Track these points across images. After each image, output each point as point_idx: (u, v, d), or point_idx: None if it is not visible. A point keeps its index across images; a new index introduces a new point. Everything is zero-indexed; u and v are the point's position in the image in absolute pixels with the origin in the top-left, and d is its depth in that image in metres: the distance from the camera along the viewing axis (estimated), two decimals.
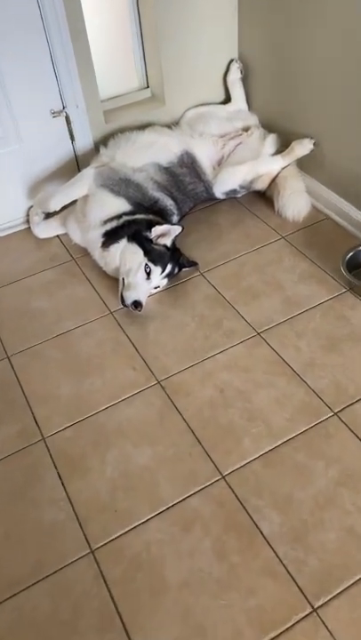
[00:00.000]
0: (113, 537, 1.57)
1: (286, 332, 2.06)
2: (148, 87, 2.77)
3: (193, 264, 2.36)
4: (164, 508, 1.61)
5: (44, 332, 2.18)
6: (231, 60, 2.74)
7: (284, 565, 1.47)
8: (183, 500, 1.63)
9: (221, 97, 2.85)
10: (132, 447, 1.77)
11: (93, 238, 2.34)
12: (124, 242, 2.23)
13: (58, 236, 2.63)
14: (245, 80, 2.76)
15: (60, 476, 1.72)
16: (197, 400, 1.87)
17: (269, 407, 1.83)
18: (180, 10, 2.49)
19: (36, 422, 1.87)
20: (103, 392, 1.94)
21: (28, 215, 2.66)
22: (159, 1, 2.42)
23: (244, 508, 1.59)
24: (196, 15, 2.54)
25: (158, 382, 1.95)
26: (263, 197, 2.69)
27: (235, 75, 2.73)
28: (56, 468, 1.74)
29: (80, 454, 1.77)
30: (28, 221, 2.67)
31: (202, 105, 2.80)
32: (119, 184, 2.35)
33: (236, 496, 1.62)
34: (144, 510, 1.61)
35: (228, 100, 2.83)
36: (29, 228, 2.65)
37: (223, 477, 1.67)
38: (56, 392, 1.96)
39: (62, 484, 1.70)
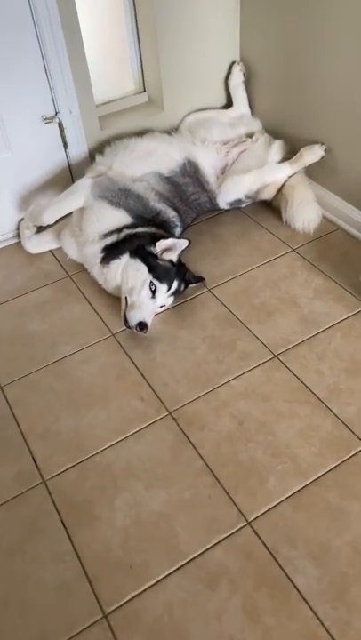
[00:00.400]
0: (128, 598, 1.38)
1: (306, 354, 1.90)
2: (144, 91, 2.61)
3: (199, 280, 2.19)
4: (185, 562, 1.43)
5: (39, 359, 1.98)
6: (233, 63, 2.59)
7: (325, 628, 1.30)
8: (206, 551, 1.44)
9: (222, 101, 2.69)
10: (144, 490, 1.58)
11: (91, 253, 2.16)
12: (125, 257, 2.06)
13: (51, 250, 2.44)
14: (248, 83, 2.60)
15: (64, 526, 1.52)
16: (214, 433, 1.69)
17: (294, 440, 1.66)
18: (179, 8, 2.33)
19: (35, 463, 1.67)
20: (108, 426, 1.75)
21: (18, 229, 2.47)
22: (157, 1, 2.26)
23: (275, 559, 1.41)
24: (195, 14, 2.38)
25: (169, 413, 1.76)
26: (269, 207, 2.53)
27: (237, 78, 2.58)
28: (60, 516, 1.55)
29: (86, 499, 1.58)
30: (18, 235, 2.47)
31: (202, 110, 2.64)
32: (118, 195, 2.17)
33: (265, 545, 1.44)
34: (162, 565, 1.43)
35: (229, 104, 2.68)
36: (20, 242, 2.46)
37: (249, 524, 1.49)
38: (55, 427, 1.76)
39: (67, 536, 1.50)
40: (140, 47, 2.48)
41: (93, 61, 2.32)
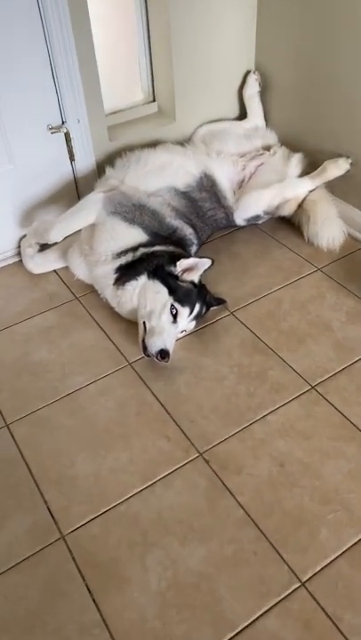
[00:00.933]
0: None
1: (346, 385, 1.73)
2: (154, 101, 2.45)
3: (221, 302, 2.02)
4: (234, 634, 1.23)
5: (48, 392, 1.78)
6: (248, 72, 2.45)
7: None
8: (257, 619, 1.25)
9: (236, 112, 2.55)
10: (179, 546, 1.39)
11: (104, 274, 1.97)
12: (143, 278, 1.88)
13: (55, 270, 2.25)
14: (263, 93, 2.47)
15: (89, 591, 1.32)
16: (253, 478, 1.51)
17: (344, 484, 1.48)
18: (194, 14, 2.19)
19: (51, 514, 1.47)
20: (132, 470, 1.55)
21: (19, 247, 2.27)
22: (172, 4, 2.11)
23: (338, 628, 1.23)
24: (210, 20, 2.24)
25: (200, 455, 1.58)
26: (287, 224, 2.38)
27: (253, 88, 2.44)
28: (83, 578, 1.34)
29: (112, 558, 1.37)
30: (19, 254, 2.28)
31: (215, 121, 2.49)
32: (133, 211, 2.00)
33: (324, 611, 1.26)
34: (208, 638, 1.23)
35: (242, 115, 2.54)
36: (21, 261, 2.26)
37: (303, 584, 1.30)
38: (71, 472, 1.56)
39: (94, 603, 1.30)
40: (150, 54, 2.33)
41: (99, 69, 2.15)
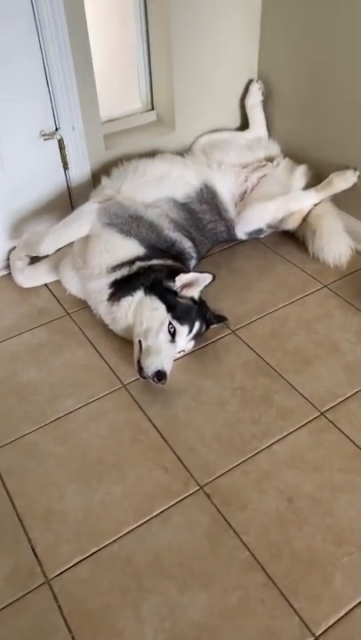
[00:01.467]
0: None
1: (357, 411, 1.60)
2: (152, 109, 2.35)
3: (222, 319, 1.90)
4: None
5: (35, 416, 1.64)
6: (250, 81, 2.36)
7: None
8: None
9: (237, 122, 2.45)
10: (177, 592, 1.24)
11: (97, 289, 1.85)
12: (139, 294, 1.75)
13: (46, 284, 2.12)
14: (266, 103, 2.38)
15: None
16: (259, 514, 1.37)
17: (359, 522, 1.35)
18: (196, 20, 2.10)
19: (36, 555, 1.32)
20: (125, 505, 1.41)
21: (8, 259, 2.14)
22: (174, 11, 2.02)
23: None
24: (212, 27, 2.15)
25: (201, 488, 1.44)
26: (290, 238, 2.28)
27: (255, 97, 2.35)
28: (70, 630, 1.19)
29: (103, 606, 1.23)
30: (8, 267, 2.15)
31: (216, 131, 2.39)
32: (129, 222, 1.88)
33: None
34: None
35: (244, 126, 2.44)
36: (10, 274, 2.13)
37: (317, 639, 1.16)
38: (59, 506, 1.42)
39: None
40: (149, 62, 2.24)
41: (96, 75, 2.05)
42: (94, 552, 1.32)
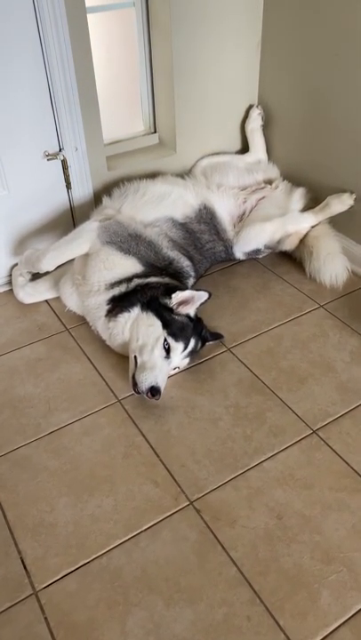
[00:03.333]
0: None
1: (350, 430, 1.61)
2: (155, 132, 2.41)
3: (217, 337, 1.93)
4: None
5: (30, 429, 1.66)
6: (251, 106, 2.42)
7: None
8: None
9: (238, 146, 2.51)
10: (163, 607, 1.24)
11: (96, 305, 1.88)
12: (136, 310, 1.78)
13: (46, 301, 2.16)
14: (266, 128, 2.43)
15: None
16: (248, 531, 1.37)
17: (348, 541, 1.35)
18: (198, 47, 2.17)
19: (24, 566, 1.33)
20: (115, 519, 1.42)
21: (10, 275, 2.19)
22: (176, 37, 2.09)
23: None
24: (214, 53, 2.22)
25: (191, 503, 1.45)
26: (288, 259, 2.31)
27: (255, 122, 2.41)
28: None
29: (90, 619, 1.23)
30: (10, 283, 2.19)
31: (216, 154, 2.45)
32: (128, 241, 1.92)
33: None
34: None
35: (244, 149, 2.50)
36: (12, 290, 2.17)
37: None
38: (50, 518, 1.43)
39: None
40: (152, 86, 2.31)
41: (100, 98, 2.12)
42: (83, 565, 1.33)
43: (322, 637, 1.18)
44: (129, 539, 1.37)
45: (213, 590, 1.27)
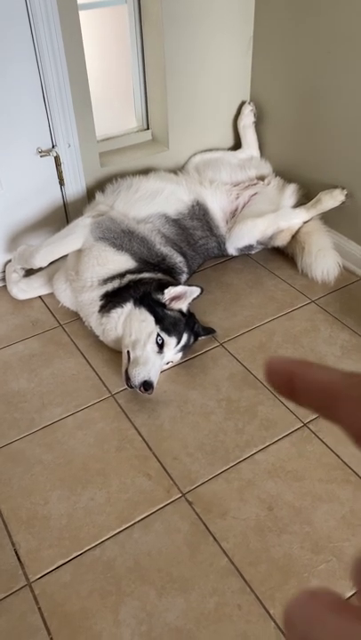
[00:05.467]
0: None
1: None
2: (147, 129, 2.42)
3: (210, 332, 1.94)
4: None
5: (24, 424, 1.68)
6: (243, 102, 2.44)
7: None
8: None
9: (230, 142, 2.52)
10: (155, 596, 1.26)
11: (89, 301, 1.90)
12: (129, 306, 1.80)
13: (40, 297, 2.17)
14: (258, 124, 2.45)
15: None
16: (239, 522, 1.39)
17: (337, 531, 1.37)
18: (190, 44, 2.18)
19: (18, 558, 1.35)
20: (108, 511, 1.44)
21: (4, 271, 2.20)
22: (168, 34, 2.10)
23: None
24: (206, 50, 2.23)
25: (183, 495, 1.47)
26: (280, 254, 2.33)
27: (247, 118, 2.42)
28: (49, 632, 1.21)
29: (83, 609, 1.25)
30: (4, 279, 2.20)
31: (209, 150, 2.46)
32: (121, 237, 1.93)
33: None
34: None
35: (237, 145, 2.51)
36: (5, 286, 2.18)
37: None
38: (44, 511, 1.44)
39: None
40: (145, 83, 2.32)
41: (93, 95, 2.13)
42: (76, 556, 1.35)
43: None
44: (122, 530, 1.39)
45: (205, 580, 1.29)
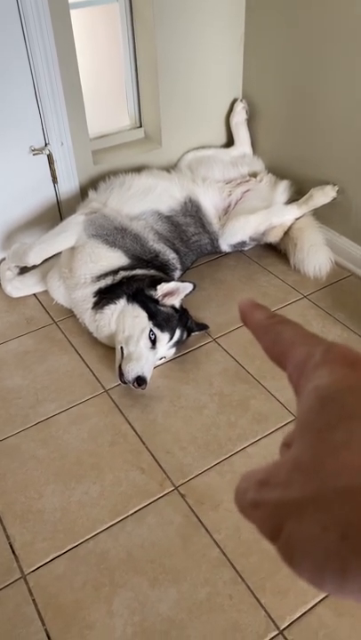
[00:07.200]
0: None
1: None
2: (140, 127, 2.44)
3: (203, 327, 1.96)
4: None
5: (18, 420, 1.70)
6: (235, 100, 2.45)
7: None
8: None
9: (223, 140, 2.54)
10: (148, 587, 1.28)
11: (82, 298, 1.91)
12: (122, 302, 1.82)
13: (35, 294, 2.18)
14: (250, 121, 2.46)
15: (48, 637, 1.21)
16: (231, 514, 1.41)
17: None
18: (181, 42, 2.20)
19: (13, 551, 1.36)
20: (102, 504, 1.45)
21: None
22: (159, 32, 2.12)
23: None
24: (197, 48, 2.25)
25: (175, 488, 1.48)
26: (273, 251, 2.34)
27: (240, 116, 2.44)
28: (43, 622, 1.23)
29: (77, 600, 1.27)
30: None
31: (202, 148, 2.48)
32: (114, 234, 1.95)
33: None
34: None
35: (230, 143, 2.53)
36: (0, 284, 2.20)
37: (281, 632, 1.20)
38: (38, 505, 1.46)
39: None
40: (137, 81, 2.33)
41: (86, 93, 2.15)
42: (70, 549, 1.36)
43: (301, 614, 1.22)
44: (115, 523, 1.41)
45: (197, 571, 1.31)
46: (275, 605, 1.24)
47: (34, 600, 1.27)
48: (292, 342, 0.32)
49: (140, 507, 1.44)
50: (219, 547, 1.35)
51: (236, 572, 1.30)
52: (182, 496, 1.46)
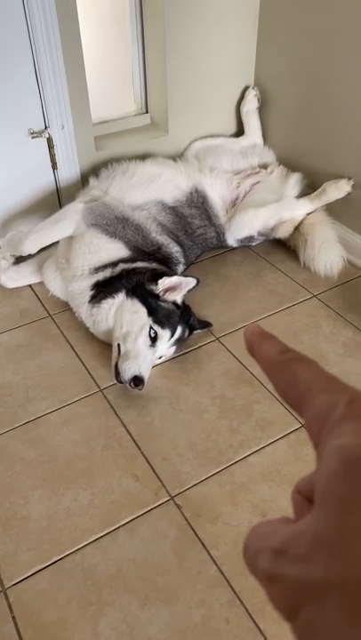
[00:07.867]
0: None
1: None
2: (147, 112, 2.32)
3: (206, 325, 1.85)
4: None
5: (6, 419, 1.59)
6: (247, 87, 2.33)
7: None
8: None
9: (233, 129, 2.42)
10: (138, 607, 1.18)
11: (79, 290, 1.81)
12: (121, 296, 1.71)
13: (30, 285, 2.08)
14: (262, 110, 2.35)
15: None
16: (230, 528, 1.31)
17: None
18: (192, 24, 2.08)
19: None
20: (92, 513, 1.35)
21: None
22: (169, 12, 2.00)
23: None
24: (209, 32, 2.13)
25: (171, 498, 1.38)
26: (282, 247, 2.23)
27: (251, 104, 2.32)
28: None
29: (60, 619, 1.17)
30: None
31: (210, 137, 2.36)
32: (115, 224, 1.84)
33: None
34: None
35: (239, 132, 2.41)
36: None
37: None
38: (23, 512, 1.36)
39: None
40: (144, 65, 2.22)
41: (90, 76, 2.03)
42: (55, 561, 1.26)
43: None
44: (105, 534, 1.31)
45: (192, 590, 1.20)
46: (275, 632, 1.13)
47: (13, 617, 1.17)
48: (310, 387, 0.28)
49: (133, 517, 1.34)
50: (216, 564, 1.24)
51: (235, 593, 1.19)
52: (178, 507, 1.36)
